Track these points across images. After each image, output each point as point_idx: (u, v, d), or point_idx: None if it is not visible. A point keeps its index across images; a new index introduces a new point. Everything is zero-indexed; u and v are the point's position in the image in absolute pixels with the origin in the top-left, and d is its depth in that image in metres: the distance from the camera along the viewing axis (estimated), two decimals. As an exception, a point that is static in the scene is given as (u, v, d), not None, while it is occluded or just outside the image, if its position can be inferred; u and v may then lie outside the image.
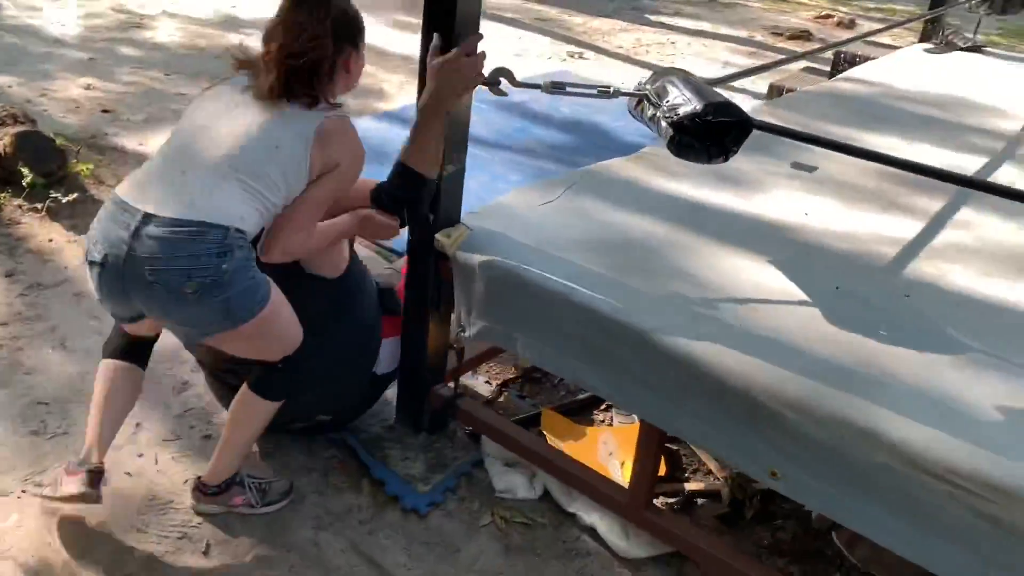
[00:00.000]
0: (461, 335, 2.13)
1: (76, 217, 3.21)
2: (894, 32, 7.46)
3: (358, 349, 2.19)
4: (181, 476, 2.13)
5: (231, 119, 1.80)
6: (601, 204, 2.30)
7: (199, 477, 2.04)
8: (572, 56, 6.82)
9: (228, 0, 7.08)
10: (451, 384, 2.29)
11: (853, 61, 5.19)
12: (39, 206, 3.23)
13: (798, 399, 1.59)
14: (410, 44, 6.35)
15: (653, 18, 8.77)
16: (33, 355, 2.52)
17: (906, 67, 4.44)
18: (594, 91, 1.98)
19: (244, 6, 6.95)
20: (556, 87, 1.97)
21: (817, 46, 7.36)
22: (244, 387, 1.96)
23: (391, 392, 2.39)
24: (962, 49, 4.93)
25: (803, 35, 8.25)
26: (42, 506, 1.99)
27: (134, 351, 2.03)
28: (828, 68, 5.66)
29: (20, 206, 3.23)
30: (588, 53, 6.98)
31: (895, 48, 5.39)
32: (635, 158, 2.66)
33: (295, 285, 1.94)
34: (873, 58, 4.88)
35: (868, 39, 6.00)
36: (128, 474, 2.13)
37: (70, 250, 3.04)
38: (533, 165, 4.29)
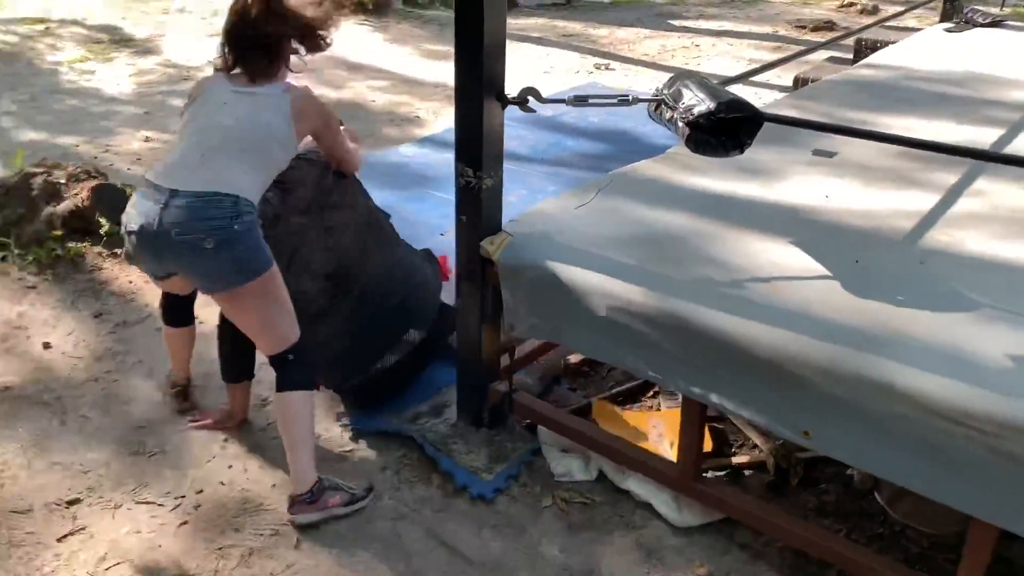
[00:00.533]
0: (510, 333, 2.32)
1: (151, 259, 3.48)
2: (919, 14, 7.53)
3: (423, 256, 2.74)
4: (269, 482, 2.35)
5: (230, 110, 2.20)
6: (631, 203, 2.47)
7: (290, 495, 2.23)
8: (599, 68, 7.01)
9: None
10: (506, 381, 2.48)
11: (874, 47, 5.29)
12: (117, 251, 3.51)
13: (821, 362, 1.74)
14: (441, 71, 6.62)
15: (676, 23, 8.93)
16: (127, 385, 2.78)
17: (925, 48, 4.54)
18: (614, 100, 2.17)
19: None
20: (579, 100, 2.17)
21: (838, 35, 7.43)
22: (275, 396, 2.25)
23: (452, 395, 2.58)
24: (982, 25, 5.00)
25: (826, 26, 8.33)
26: (149, 515, 2.23)
27: (179, 316, 2.57)
28: (851, 56, 5.76)
29: (100, 253, 3.53)
30: (614, 63, 7.16)
31: (918, 31, 5.48)
32: (661, 158, 2.83)
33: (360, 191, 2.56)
34: (894, 42, 4.98)
35: (892, 24, 6.09)
36: (222, 483, 2.35)
37: (148, 290, 3.31)
38: (569, 175, 4.47)
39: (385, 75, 6.65)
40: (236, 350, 2.49)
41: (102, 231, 3.54)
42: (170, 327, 2.60)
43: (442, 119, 5.53)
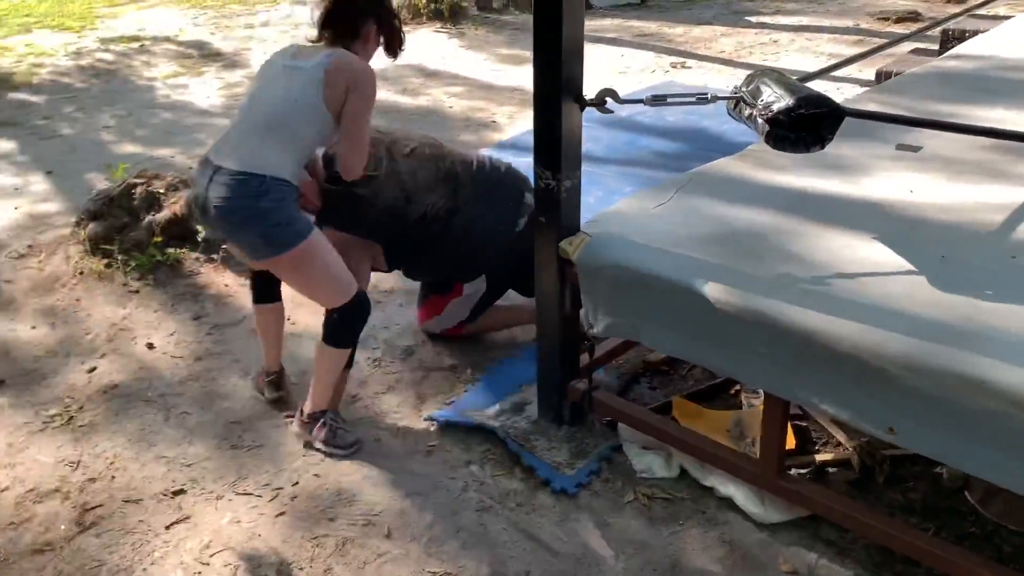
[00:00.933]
0: (589, 332, 2.36)
1: (245, 264, 3.64)
2: (1010, 0, 7.25)
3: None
4: (360, 474, 2.45)
5: (271, 88, 2.41)
6: (710, 201, 2.48)
7: (301, 408, 2.58)
8: (675, 66, 6.98)
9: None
10: (586, 379, 2.52)
11: (962, 37, 5.14)
12: (214, 257, 3.70)
13: (905, 357, 1.73)
14: (517, 76, 6.69)
15: (753, 19, 8.81)
16: (225, 384, 2.92)
17: (1015, 36, 4.39)
18: (692, 99, 2.19)
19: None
20: (658, 99, 2.20)
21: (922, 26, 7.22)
22: (316, 342, 2.53)
23: (532, 392, 2.64)
24: (1078, 10, 4.81)
25: (911, 16, 8.10)
26: (248, 505, 2.35)
27: (265, 293, 2.72)
28: (937, 47, 5.60)
29: (198, 259, 3.71)
30: (690, 62, 7.12)
31: (1009, 18, 5.29)
32: (740, 156, 2.83)
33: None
34: (983, 31, 4.83)
35: (980, 12, 5.89)
36: (316, 475, 2.46)
37: (243, 293, 3.47)
38: (646, 175, 4.49)
39: (461, 81, 6.77)
40: None
41: (199, 237, 3.73)
42: (256, 303, 2.75)
43: (518, 123, 5.61)
